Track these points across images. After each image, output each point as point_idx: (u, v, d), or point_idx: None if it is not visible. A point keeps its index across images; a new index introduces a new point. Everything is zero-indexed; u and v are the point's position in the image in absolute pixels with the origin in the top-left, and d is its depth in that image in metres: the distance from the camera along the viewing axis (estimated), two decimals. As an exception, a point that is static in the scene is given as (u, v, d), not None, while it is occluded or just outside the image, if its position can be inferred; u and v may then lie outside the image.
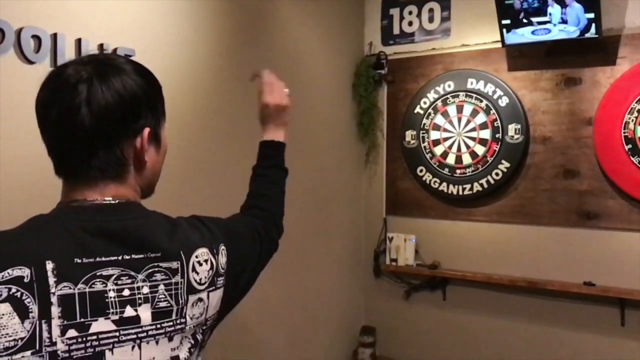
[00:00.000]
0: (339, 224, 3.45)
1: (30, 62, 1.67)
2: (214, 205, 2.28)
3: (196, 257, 0.91)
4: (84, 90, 0.81)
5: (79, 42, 1.80)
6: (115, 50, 1.91)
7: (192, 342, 0.92)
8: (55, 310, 0.75)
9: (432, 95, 3.35)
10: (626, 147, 2.78)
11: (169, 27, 2.19)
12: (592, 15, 2.73)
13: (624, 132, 2.79)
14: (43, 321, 0.74)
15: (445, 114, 3.31)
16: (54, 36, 1.73)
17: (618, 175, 2.83)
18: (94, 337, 0.78)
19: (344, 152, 3.48)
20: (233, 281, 0.99)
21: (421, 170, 3.40)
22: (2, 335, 0.72)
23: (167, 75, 2.18)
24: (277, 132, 1.31)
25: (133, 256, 0.83)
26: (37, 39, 1.69)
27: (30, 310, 0.73)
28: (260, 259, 1.12)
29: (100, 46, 1.87)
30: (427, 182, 3.38)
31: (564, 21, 2.81)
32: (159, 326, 0.85)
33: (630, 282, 2.82)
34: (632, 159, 2.76)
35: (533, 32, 2.90)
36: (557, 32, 2.85)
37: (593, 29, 2.76)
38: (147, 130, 0.88)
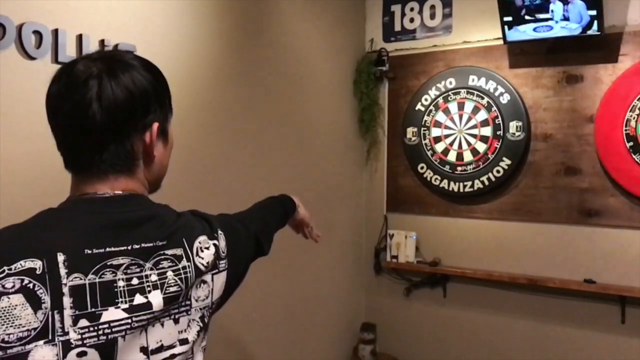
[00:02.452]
0: (340, 221, 3.45)
1: (32, 58, 1.67)
2: (216, 200, 2.28)
3: (199, 242, 0.95)
4: (95, 85, 0.83)
5: (80, 38, 1.79)
6: (116, 46, 1.91)
7: (201, 325, 0.95)
8: (67, 301, 0.77)
9: (433, 92, 3.35)
10: (627, 145, 2.78)
11: (171, 23, 2.19)
12: (594, 12, 2.73)
13: (626, 130, 2.79)
14: (55, 312, 0.76)
15: (447, 111, 3.30)
16: (55, 32, 1.72)
17: (619, 172, 2.83)
18: (106, 326, 0.80)
19: (345, 149, 3.48)
20: (234, 265, 1.04)
21: (422, 167, 3.39)
22: (16, 325, 0.73)
23: (168, 71, 2.16)
24: (298, 202, 1.61)
25: (142, 245, 0.86)
26: (38, 34, 1.68)
27: (42, 301, 0.75)
28: (251, 255, 1.18)
29: (102, 42, 1.86)
30: (428, 179, 3.37)
31: (566, 18, 2.80)
32: (166, 309, 0.88)
33: (631, 279, 2.82)
34: (634, 156, 2.76)
35: (535, 29, 2.89)
36: (559, 29, 2.84)
37: (595, 26, 2.75)
38: (156, 125, 0.91)
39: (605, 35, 2.79)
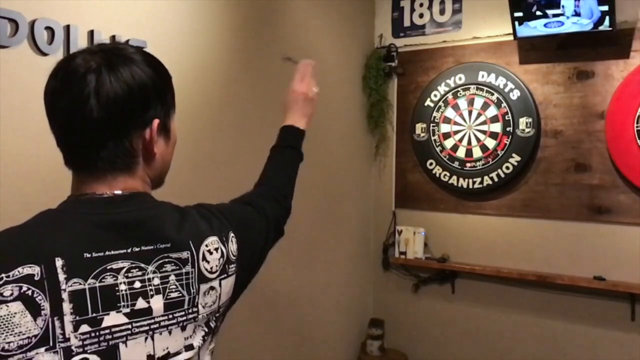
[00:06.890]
0: (348, 217, 3.45)
1: (44, 54, 1.68)
2: (223, 197, 2.29)
3: (206, 245, 0.91)
4: (93, 80, 0.80)
5: (91, 33, 1.80)
6: (127, 41, 1.92)
7: (206, 329, 0.92)
8: (66, 307, 0.76)
9: (442, 88, 3.34)
10: (638, 142, 2.76)
11: (181, 19, 2.20)
12: (605, 8, 2.71)
13: (637, 126, 2.77)
14: (55, 318, 0.75)
15: (456, 107, 3.29)
16: (67, 28, 1.73)
17: (630, 169, 2.81)
18: (107, 331, 0.79)
19: (354, 145, 3.48)
20: (245, 267, 1.00)
21: (431, 164, 3.39)
22: (16, 333, 0.72)
23: (178, 66, 2.19)
24: (300, 120, 1.42)
25: (143, 248, 0.83)
26: (51, 30, 1.70)
27: (42, 308, 0.74)
28: (267, 243, 1.13)
29: (113, 38, 1.87)
30: (437, 175, 3.37)
31: (577, 14, 2.78)
32: (171, 316, 0.86)
33: (641, 277, 2.81)
34: (645, 153, 2.74)
35: (545, 25, 2.88)
36: (570, 25, 2.82)
37: (607, 22, 2.73)
38: (156, 122, 0.87)
39: (616, 31, 2.77)
